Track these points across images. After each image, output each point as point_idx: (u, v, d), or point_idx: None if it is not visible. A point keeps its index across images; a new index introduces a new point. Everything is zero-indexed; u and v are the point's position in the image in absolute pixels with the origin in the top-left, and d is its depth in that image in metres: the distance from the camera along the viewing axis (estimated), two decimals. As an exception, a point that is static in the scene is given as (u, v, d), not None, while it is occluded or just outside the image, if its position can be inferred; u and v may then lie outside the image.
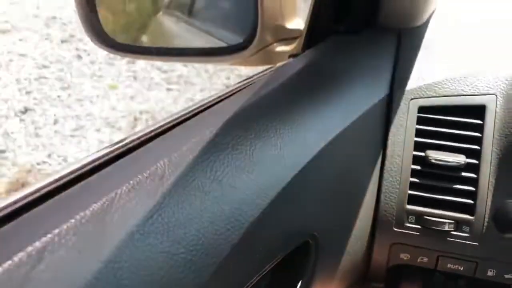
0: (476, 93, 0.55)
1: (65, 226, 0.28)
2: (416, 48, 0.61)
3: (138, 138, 0.39)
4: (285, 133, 0.44)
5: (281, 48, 0.68)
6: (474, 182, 0.52)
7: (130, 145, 0.38)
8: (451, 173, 0.53)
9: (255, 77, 0.56)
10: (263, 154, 0.42)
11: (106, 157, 0.36)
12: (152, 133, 0.40)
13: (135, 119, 2.83)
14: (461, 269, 0.54)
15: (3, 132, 2.69)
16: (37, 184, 0.33)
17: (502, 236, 0.51)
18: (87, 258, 0.28)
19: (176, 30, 0.84)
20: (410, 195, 0.54)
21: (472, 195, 0.52)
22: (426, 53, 0.59)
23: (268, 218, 0.39)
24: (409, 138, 0.55)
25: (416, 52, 0.60)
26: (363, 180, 0.53)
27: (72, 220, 0.29)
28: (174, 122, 0.42)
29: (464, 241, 0.53)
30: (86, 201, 0.31)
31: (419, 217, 0.53)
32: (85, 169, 0.35)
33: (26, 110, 2.92)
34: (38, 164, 2.41)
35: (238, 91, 0.50)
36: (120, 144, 0.38)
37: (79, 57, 3.76)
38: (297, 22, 0.70)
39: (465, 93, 0.55)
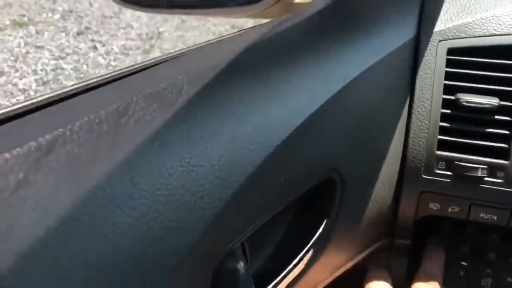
0: (509, 33, 0.52)
1: (77, 123, 0.26)
2: None
3: (154, 60, 0.37)
4: (308, 65, 0.42)
5: (300, -1, 0.66)
6: (508, 125, 0.50)
7: (146, 64, 0.36)
8: (483, 116, 0.50)
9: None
10: (286, 83, 0.39)
11: (123, 73, 0.35)
12: (171, 55, 0.38)
13: (151, 107, 2.83)
14: (495, 218, 0.51)
15: (20, 121, 2.71)
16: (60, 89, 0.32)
17: None
18: (101, 157, 0.26)
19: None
20: (440, 140, 0.51)
21: (507, 138, 0.49)
22: None
23: (292, 145, 0.37)
24: (438, 81, 0.52)
25: None
26: (390, 123, 0.50)
27: (85, 118, 0.27)
28: (194, 47, 0.40)
29: (498, 188, 0.50)
30: (101, 104, 0.29)
31: (449, 163, 0.51)
32: (100, 80, 0.33)
33: (43, 100, 2.94)
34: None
35: (260, 26, 0.48)
36: (139, 65, 0.36)
37: (95, 48, 3.77)
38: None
39: (497, 33, 0.52)
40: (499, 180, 0.49)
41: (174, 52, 0.39)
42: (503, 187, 0.49)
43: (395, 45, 0.51)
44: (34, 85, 3.14)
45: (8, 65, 3.47)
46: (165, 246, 0.27)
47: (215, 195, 0.30)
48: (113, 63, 3.45)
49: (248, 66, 0.38)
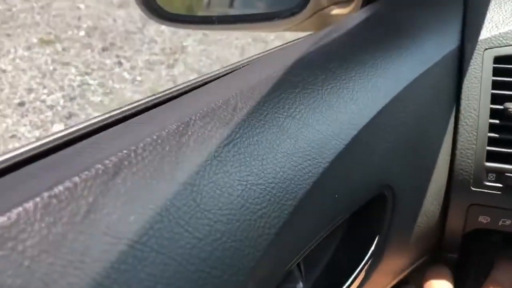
0: None
1: (141, 144, 0.26)
2: None
3: (212, 74, 0.37)
4: (356, 77, 0.42)
5: (336, 11, 0.65)
6: None
7: (205, 80, 0.36)
8: None
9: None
10: (335, 96, 0.39)
11: (180, 90, 0.35)
12: (225, 69, 0.38)
13: (176, 120, 2.85)
14: None
15: (49, 137, 2.76)
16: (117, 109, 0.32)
17: None
18: (164, 178, 0.26)
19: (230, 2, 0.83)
20: (488, 151, 0.50)
21: None
22: (499, 0, 0.55)
23: (345, 160, 0.36)
24: (485, 91, 0.51)
25: (486, 0, 0.56)
26: (437, 134, 0.49)
27: (148, 139, 0.27)
28: (244, 62, 0.40)
29: None
30: (161, 124, 0.29)
31: (499, 174, 0.49)
32: (160, 98, 0.33)
33: (70, 116, 3.00)
34: (83, 166, 2.45)
35: (303, 39, 0.48)
36: (193, 81, 0.36)
37: (120, 63, 3.83)
38: (353, -16, 0.67)
39: None
40: None
41: (223, 68, 0.39)
42: None
43: (440, 55, 0.50)
44: (61, 101, 3.20)
45: (36, 82, 3.55)
46: (228, 268, 0.26)
47: (273, 214, 0.30)
48: (138, 78, 3.50)
49: (298, 80, 0.38)
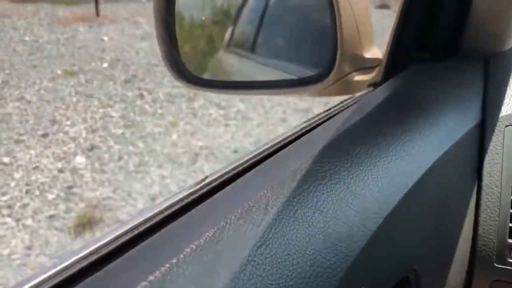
0: None
1: (181, 255, 0.28)
2: (506, 73, 0.58)
3: (238, 166, 0.39)
4: (380, 162, 0.43)
5: (359, 77, 0.67)
6: None
7: (232, 174, 0.38)
8: None
9: (339, 106, 0.56)
10: (361, 184, 0.40)
11: (210, 186, 0.36)
12: (251, 162, 0.40)
13: (196, 154, 2.88)
14: None
15: (71, 169, 2.82)
16: (148, 212, 0.33)
17: None
18: (204, 290, 0.27)
19: (253, 71, 0.86)
20: (511, 227, 0.50)
21: None
22: None
23: (371, 251, 0.38)
24: (507, 167, 0.51)
25: (506, 77, 0.57)
26: (459, 212, 0.50)
27: (188, 249, 0.28)
28: (270, 151, 0.42)
29: None
30: (199, 230, 0.30)
31: None
32: (192, 197, 0.35)
33: (92, 148, 3.05)
34: (103, 199, 2.49)
35: (325, 121, 0.50)
36: (222, 172, 0.38)
37: (142, 96, 3.92)
38: (375, 51, 0.69)
39: None
40: None
41: (252, 152, 0.41)
42: None
43: (461, 132, 0.51)
44: (84, 133, 3.27)
45: (59, 114, 3.64)
46: None
47: None
48: (159, 111, 3.56)
49: (325, 170, 0.39)
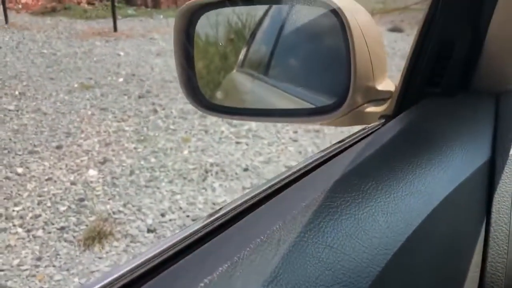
0: None
1: None
2: None
3: (251, 199, 0.40)
4: (390, 198, 0.44)
5: (371, 109, 0.69)
6: None
7: (245, 206, 0.39)
8: None
9: (350, 139, 0.57)
10: (370, 220, 0.41)
11: (223, 219, 0.37)
12: (265, 193, 0.41)
13: (206, 171, 2.90)
14: None
15: (83, 181, 2.85)
16: (160, 245, 0.34)
17: None
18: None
19: (267, 95, 0.88)
20: None
21: None
22: None
23: (380, 287, 0.38)
24: None
25: None
26: (467, 249, 0.51)
27: (202, 284, 0.29)
28: (283, 184, 0.43)
29: None
30: (212, 265, 0.32)
31: None
32: (205, 231, 0.36)
33: (104, 161, 3.09)
34: (114, 213, 2.51)
35: (338, 153, 0.51)
36: (235, 205, 0.39)
37: (155, 111, 3.97)
38: (387, 83, 0.70)
39: None
40: None
41: (266, 184, 0.42)
42: None
43: (471, 169, 0.52)
44: (97, 146, 3.31)
45: (74, 126, 3.70)
46: None
47: None
48: (172, 127, 3.59)
49: (336, 205, 0.40)
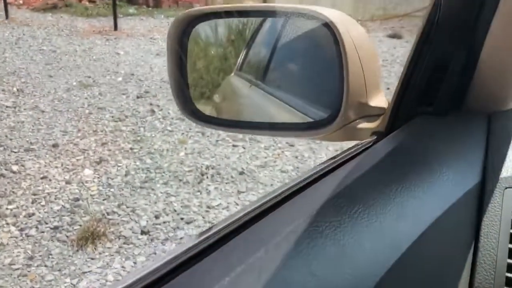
0: None
1: None
2: (508, 132, 0.59)
3: (234, 223, 0.40)
4: (377, 222, 0.44)
5: (363, 125, 0.68)
6: None
7: (227, 231, 0.39)
8: None
9: (340, 156, 0.56)
10: (356, 245, 0.41)
11: (204, 245, 0.37)
12: (248, 217, 0.40)
13: (202, 174, 2.89)
14: None
15: (78, 181, 2.84)
16: (146, 269, 0.34)
17: None
18: None
19: (262, 103, 0.88)
20: None
21: None
22: None
23: None
24: (505, 230, 0.52)
25: (508, 137, 0.58)
26: (454, 273, 0.50)
27: None
28: (268, 206, 0.43)
29: None
30: None
31: None
32: (184, 258, 0.35)
33: (100, 161, 3.08)
34: (108, 214, 2.50)
35: (327, 172, 0.50)
36: (217, 229, 0.39)
37: (152, 111, 3.96)
38: (380, 99, 0.70)
39: None
40: None
41: (250, 206, 0.41)
42: None
43: (461, 192, 0.51)
44: (93, 146, 3.30)
45: (71, 125, 3.68)
46: None
47: None
48: (168, 128, 3.59)
49: (322, 229, 0.40)
